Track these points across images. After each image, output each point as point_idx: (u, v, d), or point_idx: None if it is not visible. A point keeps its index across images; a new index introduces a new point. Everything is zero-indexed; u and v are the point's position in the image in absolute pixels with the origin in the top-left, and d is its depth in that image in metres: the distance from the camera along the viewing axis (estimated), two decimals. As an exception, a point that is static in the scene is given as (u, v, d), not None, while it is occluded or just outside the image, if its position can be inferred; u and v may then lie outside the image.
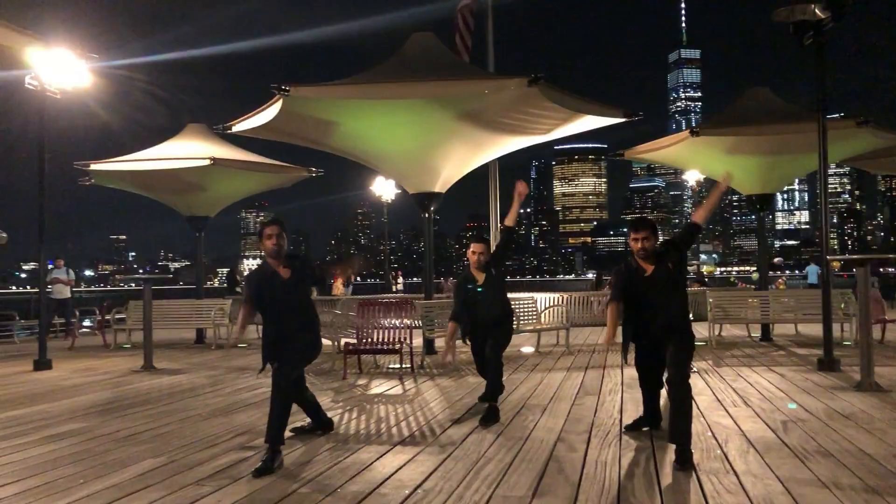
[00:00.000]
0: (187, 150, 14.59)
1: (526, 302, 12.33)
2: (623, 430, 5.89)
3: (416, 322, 10.77)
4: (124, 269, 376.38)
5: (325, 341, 11.90)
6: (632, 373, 9.49)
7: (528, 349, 12.25)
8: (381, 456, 5.17)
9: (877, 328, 11.80)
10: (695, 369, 9.26)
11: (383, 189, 27.75)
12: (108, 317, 15.94)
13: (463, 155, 11.57)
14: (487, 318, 6.67)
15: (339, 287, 32.58)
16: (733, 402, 7.13)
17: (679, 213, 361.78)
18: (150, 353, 11.10)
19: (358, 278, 44.68)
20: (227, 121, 12.28)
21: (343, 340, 11.33)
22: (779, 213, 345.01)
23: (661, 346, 5.19)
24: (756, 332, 13.96)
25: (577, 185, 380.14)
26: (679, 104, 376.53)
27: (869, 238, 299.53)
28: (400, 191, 28.94)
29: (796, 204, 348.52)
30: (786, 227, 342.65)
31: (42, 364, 11.25)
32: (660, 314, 5.12)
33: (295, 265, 5.45)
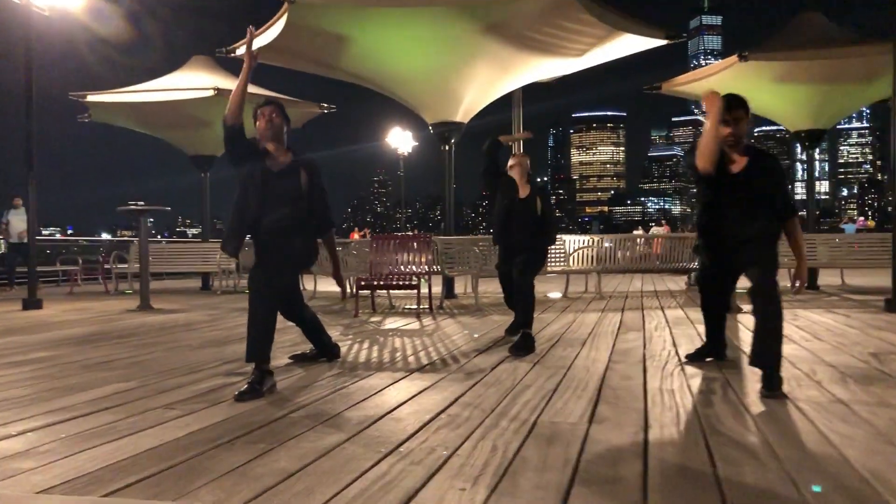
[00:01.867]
0: (191, 82, 13.65)
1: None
2: (683, 360, 4.94)
3: (435, 266, 9.80)
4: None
5: (323, 289, 11.04)
6: (677, 314, 8.67)
7: (555, 294, 11.30)
8: (394, 382, 4.26)
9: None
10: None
11: (399, 141, 26.69)
12: (109, 263, 15.13)
13: (488, 77, 10.50)
14: (521, 236, 5.93)
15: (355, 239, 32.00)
16: (803, 336, 6.17)
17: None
18: (146, 292, 10.25)
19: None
20: (232, 43, 11.31)
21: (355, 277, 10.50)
22: (798, 184, 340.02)
23: (737, 263, 4.24)
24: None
25: (594, 153, 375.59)
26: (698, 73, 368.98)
27: (889, 209, 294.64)
28: (418, 143, 28.03)
29: (816, 174, 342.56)
30: (805, 197, 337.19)
31: (31, 303, 10.43)
32: (744, 223, 4.11)
33: (301, 160, 4.48)
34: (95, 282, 16.98)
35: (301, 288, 5.01)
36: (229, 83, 13.60)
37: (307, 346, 5.28)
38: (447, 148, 11.12)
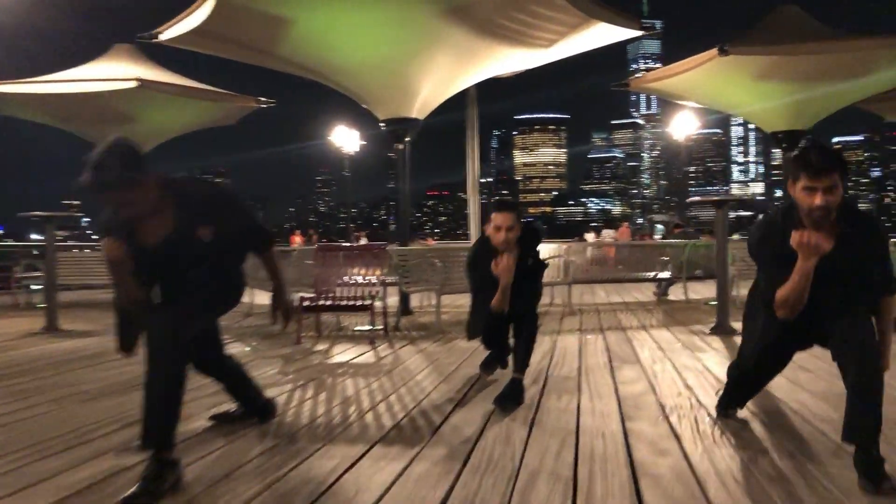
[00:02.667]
0: (111, 72, 12.20)
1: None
2: (714, 417, 3.91)
3: (388, 277, 8.62)
4: (77, 237, 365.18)
5: (263, 301, 9.83)
6: (664, 337, 7.70)
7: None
8: (352, 465, 3.11)
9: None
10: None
11: (345, 139, 25.33)
12: (17, 272, 13.50)
13: (448, 68, 9.37)
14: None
15: (296, 244, 30.38)
16: (830, 373, 5.21)
17: (636, 184, 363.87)
18: (53, 311, 8.85)
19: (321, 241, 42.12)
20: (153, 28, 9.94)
21: (297, 296, 9.25)
22: (734, 185, 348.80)
23: (813, 336, 3.16)
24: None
25: (537, 154, 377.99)
26: (639, 75, 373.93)
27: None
28: (365, 142, 26.76)
29: (751, 175, 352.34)
30: (741, 198, 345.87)
31: (-85, 325, 8.91)
32: (832, 299, 2.95)
33: (189, 210, 3.04)
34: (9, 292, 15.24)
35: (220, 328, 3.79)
36: (153, 73, 12.24)
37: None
38: (401, 147, 9.96)
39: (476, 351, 6.29)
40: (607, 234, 29.42)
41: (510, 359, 4.58)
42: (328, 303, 7.45)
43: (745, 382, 3.65)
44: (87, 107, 12.10)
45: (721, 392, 3.91)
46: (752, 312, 3.35)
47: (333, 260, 8.13)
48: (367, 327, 8.06)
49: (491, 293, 4.31)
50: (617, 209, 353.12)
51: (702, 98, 13.07)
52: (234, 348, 6.92)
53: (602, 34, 9.67)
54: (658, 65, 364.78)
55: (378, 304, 7.47)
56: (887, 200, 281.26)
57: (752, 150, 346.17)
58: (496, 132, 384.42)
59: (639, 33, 9.76)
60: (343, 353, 6.59)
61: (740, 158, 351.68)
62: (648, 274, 11.94)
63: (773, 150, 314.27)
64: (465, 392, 4.66)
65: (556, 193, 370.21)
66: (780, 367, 3.49)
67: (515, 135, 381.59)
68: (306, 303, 7.33)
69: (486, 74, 10.26)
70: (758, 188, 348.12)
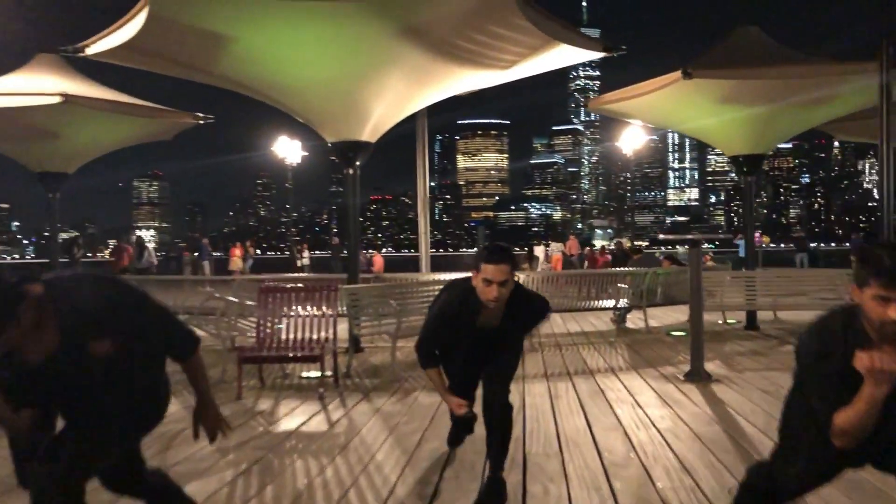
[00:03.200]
0: (34, 86, 11.18)
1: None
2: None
3: (339, 309, 7.92)
4: (7, 241, 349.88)
5: (209, 340, 9.01)
6: (637, 385, 7.14)
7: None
8: None
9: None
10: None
11: (287, 150, 24.40)
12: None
13: (402, 90, 8.72)
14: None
15: (235, 262, 29.05)
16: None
17: (576, 189, 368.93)
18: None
19: (257, 251, 40.75)
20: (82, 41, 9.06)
21: (236, 336, 8.51)
22: (670, 191, 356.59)
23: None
24: (732, 319, 11.97)
25: (479, 159, 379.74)
26: (578, 82, 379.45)
27: (754, 214, 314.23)
28: (307, 153, 25.85)
29: (687, 181, 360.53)
30: (677, 203, 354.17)
31: None
32: None
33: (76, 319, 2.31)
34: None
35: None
36: (80, 87, 11.27)
37: None
38: (351, 172, 9.27)
39: (439, 410, 5.69)
40: (555, 247, 29.21)
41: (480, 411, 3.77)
42: (272, 353, 6.74)
43: (776, 499, 3.08)
44: (7, 123, 11.06)
45: (737, 496, 3.31)
46: (794, 428, 2.79)
47: (278, 299, 7.41)
48: (316, 374, 7.36)
49: (457, 362, 3.78)
50: (558, 214, 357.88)
51: (660, 120, 12.76)
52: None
53: (564, 55, 9.19)
54: (597, 73, 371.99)
55: (328, 354, 6.80)
56: (815, 206, 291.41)
57: (688, 155, 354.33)
58: (439, 137, 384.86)
59: (602, 54, 9.31)
60: (290, 416, 5.89)
61: (676, 164, 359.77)
62: (607, 303, 11.53)
63: (710, 156, 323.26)
64: (436, 484, 4.05)
65: (498, 198, 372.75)
66: (823, 482, 2.95)
67: (458, 140, 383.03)
68: (247, 354, 6.60)
69: (442, 95, 9.65)
70: (693, 193, 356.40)
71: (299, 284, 8.45)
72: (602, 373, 7.60)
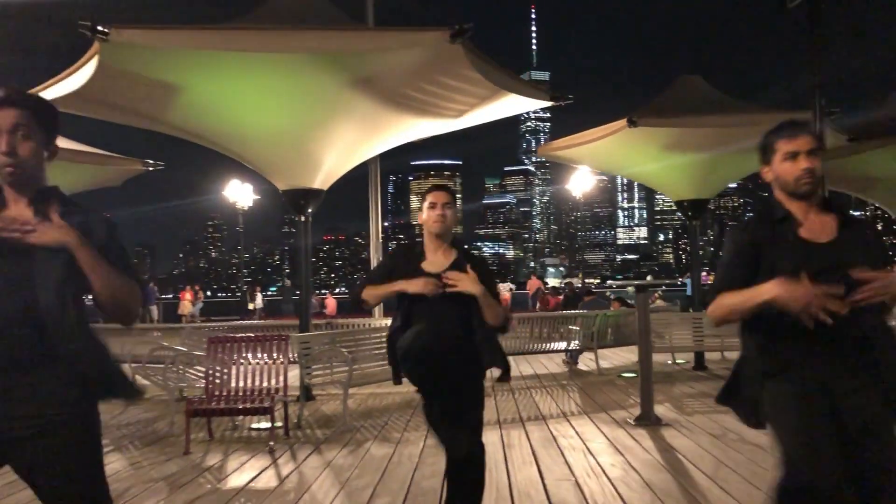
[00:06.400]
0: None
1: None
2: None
3: (291, 356, 7.82)
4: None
5: (156, 390, 8.77)
6: (587, 430, 7.24)
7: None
8: None
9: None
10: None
11: (239, 194, 24.23)
12: None
13: (352, 139, 8.80)
14: (437, 344, 3.33)
15: (185, 305, 28.52)
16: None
17: (528, 228, 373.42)
18: None
19: (208, 293, 40.14)
20: (30, 88, 8.91)
21: (184, 387, 8.35)
22: (620, 230, 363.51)
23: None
24: (681, 359, 12.20)
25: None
26: (529, 124, 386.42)
27: (701, 252, 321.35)
28: (259, 196, 25.65)
29: (636, 220, 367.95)
30: (627, 241, 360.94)
31: None
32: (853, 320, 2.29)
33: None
34: None
35: None
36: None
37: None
38: (303, 219, 9.27)
39: (391, 463, 5.66)
40: (504, 287, 29.48)
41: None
42: (221, 406, 6.62)
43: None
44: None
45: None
46: (776, 400, 2.47)
47: (228, 349, 7.31)
48: (266, 426, 7.24)
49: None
50: (511, 253, 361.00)
51: (607, 166, 13.10)
52: (111, 464, 5.99)
53: (512, 104, 9.41)
54: (548, 114, 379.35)
55: (278, 406, 6.71)
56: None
57: (637, 195, 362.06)
58: (392, 178, 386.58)
59: (549, 103, 9.56)
60: (240, 471, 5.77)
61: (625, 204, 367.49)
62: (559, 345, 11.62)
63: (657, 196, 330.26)
64: (388, 542, 4.01)
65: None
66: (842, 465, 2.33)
67: (412, 180, 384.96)
68: (195, 408, 6.47)
69: (393, 143, 9.78)
70: (642, 232, 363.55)
71: (249, 334, 8.35)
72: (555, 418, 7.64)
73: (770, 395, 2.48)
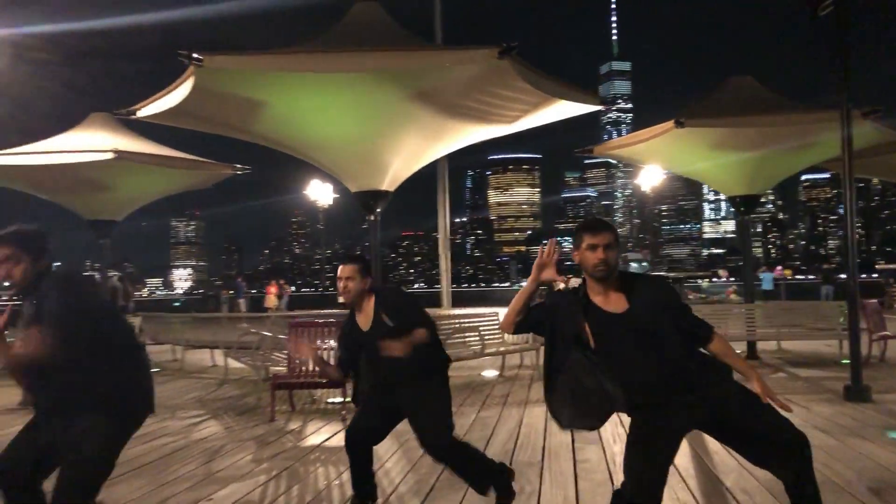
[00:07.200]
0: (88, 142, 12.42)
1: (489, 318, 10.57)
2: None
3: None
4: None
5: (246, 371, 9.87)
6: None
7: (491, 373, 10.52)
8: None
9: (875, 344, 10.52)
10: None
11: (319, 193, 25.68)
12: None
13: (416, 145, 9.77)
14: (390, 376, 4.15)
15: (270, 299, 30.16)
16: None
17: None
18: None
19: (292, 288, 41.78)
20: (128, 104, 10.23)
21: (270, 367, 9.46)
22: (706, 223, 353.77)
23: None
24: (737, 349, 12.64)
25: (511, 194, 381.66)
26: (611, 115, 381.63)
27: (791, 246, 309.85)
28: (339, 195, 27.01)
29: (723, 213, 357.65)
30: (713, 236, 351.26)
31: None
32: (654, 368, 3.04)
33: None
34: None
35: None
36: (131, 144, 12.48)
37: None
38: (372, 218, 10.28)
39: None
40: (575, 281, 29.87)
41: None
42: (301, 380, 7.66)
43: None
44: (65, 177, 12.29)
45: None
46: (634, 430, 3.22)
47: (307, 333, 8.34)
48: (339, 399, 8.26)
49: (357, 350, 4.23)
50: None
51: (660, 164, 13.61)
52: (209, 428, 7.11)
53: (563, 109, 10.13)
54: (629, 104, 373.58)
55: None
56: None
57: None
58: (470, 173, 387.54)
59: (599, 107, 10.22)
60: (316, 434, 6.78)
61: (711, 196, 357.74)
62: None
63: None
64: (432, 484, 4.89)
65: (530, 232, 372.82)
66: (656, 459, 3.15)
67: (489, 174, 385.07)
68: (279, 382, 7.53)
69: (452, 148, 10.69)
70: (730, 225, 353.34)
71: (329, 319, 9.38)
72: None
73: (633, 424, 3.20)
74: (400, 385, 4.13)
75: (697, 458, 5.39)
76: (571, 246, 3.27)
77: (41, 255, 3.24)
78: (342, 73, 8.15)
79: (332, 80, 8.29)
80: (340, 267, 4.19)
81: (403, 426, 4.28)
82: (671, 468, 4.84)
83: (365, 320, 4.18)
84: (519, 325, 3.28)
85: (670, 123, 10.34)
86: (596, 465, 5.28)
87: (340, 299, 4.18)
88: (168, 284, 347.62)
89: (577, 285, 3.28)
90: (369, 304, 4.16)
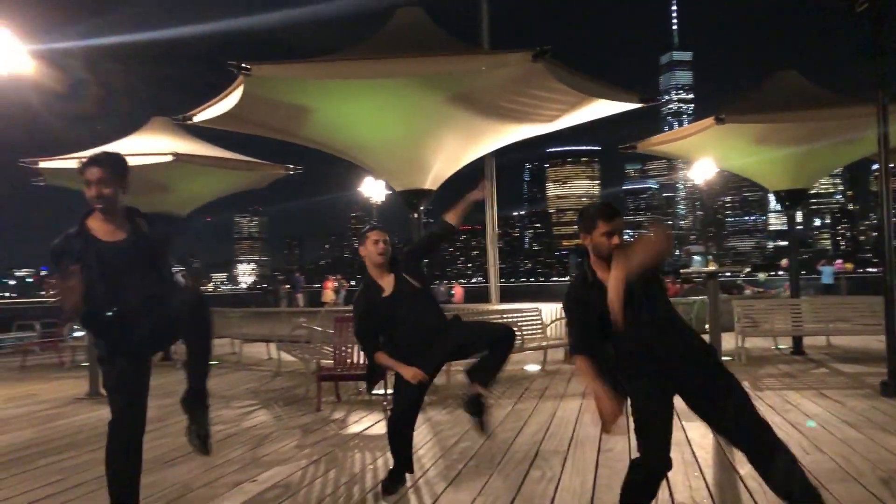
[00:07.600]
0: (149, 146, 13.10)
1: (530, 314, 10.82)
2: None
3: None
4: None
5: (297, 364, 10.33)
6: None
7: (533, 367, 10.78)
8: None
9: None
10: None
11: (372, 190, 26.17)
12: (65, 331, 14.39)
13: (456, 146, 10.08)
14: (417, 334, 4.44)
15: (328, 294, 30.80)
16: (800, 446, 5.63)
17: (672, 214, 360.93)
18: (95, 376, 9.56)
19: (351, 283, 42.54)
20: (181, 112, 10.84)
21: (320, 360, 9.89)
22: (771, 215, 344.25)
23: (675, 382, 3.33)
24: (783, 345, 12.56)
25: (570, 187, 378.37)
26: (671, 106, 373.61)
27: (862, 238, 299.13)
28: (390, 192, 27.43)
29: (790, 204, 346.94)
30: (779, 227, 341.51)
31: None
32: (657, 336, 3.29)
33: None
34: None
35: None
36: (189, 147, 13.11)
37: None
38: (415, 215, 10.64)
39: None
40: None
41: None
42: (345, 372, 8.06)
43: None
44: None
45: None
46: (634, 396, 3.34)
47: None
48: (382, 391, 8.63)
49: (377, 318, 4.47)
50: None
51: (705, 159, 13.57)
52: (259, 417, 7.58)
53: (603, 107, 10.29)
54: (690, 95, 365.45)
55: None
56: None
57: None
58: (528, 166, 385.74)
59: (638, 105, 10.33)
60: (357, 423, 7.17)
61: (818, 181, 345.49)
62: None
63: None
64: (458, 470, 5.21)
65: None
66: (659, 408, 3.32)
67: (548, 167, 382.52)
68: (325, 373, 7.95)
69: (493, 148, 10.96)
70: (797, 217, 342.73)
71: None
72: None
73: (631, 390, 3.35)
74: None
75: (717, 447, 5.56)
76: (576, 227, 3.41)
77: (126, 181, 3.55)
78: (383, 79, 8.51)
79: (374, 86, 8.66)
80: (376, 231, 4.54)
81: (439, 416, 4.58)
82: (691, 458, 5.09)
83: (387, 285, 4.47)
84: (594, 346, 3.32)
85: (711, 120, 10.40)
86: (619, 455, 5.50)
87: (378, 260, 4.48)
88: (232, 279, 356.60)
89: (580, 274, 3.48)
90: (390, 271, 4.50)
